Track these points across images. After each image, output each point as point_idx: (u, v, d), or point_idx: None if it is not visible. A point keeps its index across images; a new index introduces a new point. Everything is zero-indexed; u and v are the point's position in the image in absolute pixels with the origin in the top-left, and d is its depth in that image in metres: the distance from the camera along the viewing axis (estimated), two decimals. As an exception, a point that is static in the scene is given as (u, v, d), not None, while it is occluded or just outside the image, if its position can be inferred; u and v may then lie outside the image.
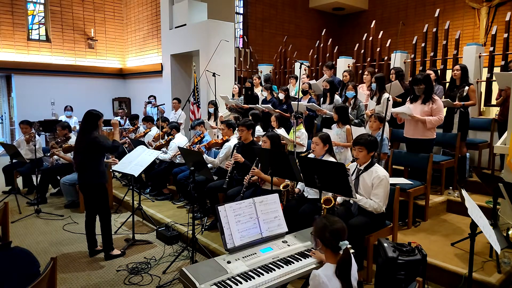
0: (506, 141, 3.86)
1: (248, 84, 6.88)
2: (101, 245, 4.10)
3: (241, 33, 13.09)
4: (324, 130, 4.80)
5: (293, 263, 2.42)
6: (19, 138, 6.67)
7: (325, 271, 2.08)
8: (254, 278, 2.22)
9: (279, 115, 5.63)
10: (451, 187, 4.81)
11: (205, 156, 4.91)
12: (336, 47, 9.16)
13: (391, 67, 6.28)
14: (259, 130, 5.86)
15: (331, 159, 3.68)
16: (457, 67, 5.10)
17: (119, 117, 9.30)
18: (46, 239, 4.53)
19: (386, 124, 4.41)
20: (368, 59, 7.93)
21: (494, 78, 6.26)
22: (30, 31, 10.95)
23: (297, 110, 4.92)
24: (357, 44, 8.24)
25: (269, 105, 6.17)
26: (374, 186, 3.21)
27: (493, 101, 6.10)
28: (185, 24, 9.21)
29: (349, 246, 2.14)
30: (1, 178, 6.66)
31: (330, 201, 3.26)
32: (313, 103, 5.86)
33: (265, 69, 10.14)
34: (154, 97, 9.29)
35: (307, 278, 2.16)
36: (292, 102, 5.95)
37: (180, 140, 5.97)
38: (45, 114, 10.27)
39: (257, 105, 6.53)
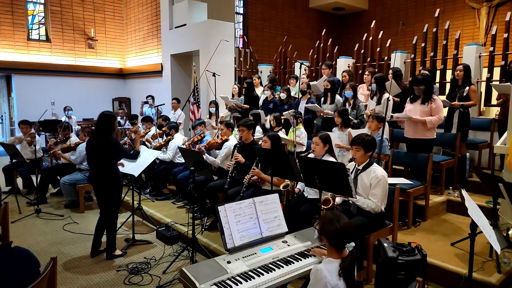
0: (506, 141, 3.86)
1: (245, 84, 6.89)
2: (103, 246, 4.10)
3: (241, 33, 13.09)
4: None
5: (293, 263, 2.41)
6: (18, 135, 6.67)
7: (327, 266, 2.09)
8: (254, 278, 2.22)
9: (278, 115, 5.63)
10: (451, 187, 4.81)
11: (205, 156, 4.91)
12: (336, 47, 9.15)
13: (390, 67, 6.29)
14: (259, 130, 5.86)
15: (331, 159, 3.68)
16: (460, 67, 5.10)
17: (119, 117, 9.29)
18: (46, 239, 4.53)
19: (386, 124, 4.41)
20: (368, 59, 7.93)
21: (494, 79, 6.27)
22: (30, 31, 10.95)
23: (297, 110, 4.92)
24: (357, 44, 8.24)
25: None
26: (372, 186, 3.21)
27: (493, 101, 6.10)
28: (185, 24, 9.21)
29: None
30: (1, 178, 6.65)
31: (329, 202, 3.26)
32: (313, 103, 5.85)
33: (265, 69, 10.13)
34: (152, 97, 9.27)
35: (307, 278, 2.17)
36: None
37: (179, 140, 5.97)
38: (45, 114, 10.25)
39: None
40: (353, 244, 2.12)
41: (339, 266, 2.09)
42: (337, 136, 4.77)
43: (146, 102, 9.30)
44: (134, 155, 4.10)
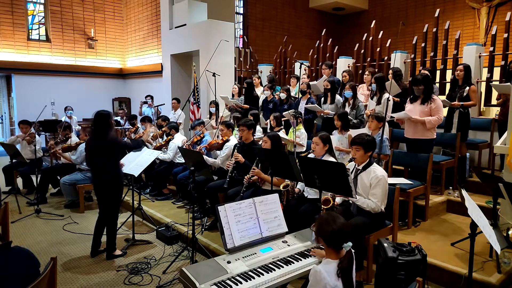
0: (506, 141, 3.86)
1: (245, 84, 6.90)
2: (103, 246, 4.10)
3: (241, 33, 13.09)
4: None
5: (293, 263, 2.41)
6: (18, 134, 6.67)
7: (326, 267, 2.09)
8: (254, 278, 2.22)
9: (278, 115, 5.63)
10: (451, 187, 4.81)
11: (205, 157, 4.91)
12: (336, 47, 9.15)
13: (390, 67, 6.28)
14: (259, 130, 5.87)
15: (331, 159, 3.68)
16: (460, 67, 5.09)
17: (119, 117, 9.29)
18: (46, 239, 4.53)
19: (386, 124, 4.41)
20: (368, 59, 7.93)
21: (494, 79, 6.26)
22: (30, 31, 10.95)
23: (297, 110, 4.92)
24: (357, 44, 8.24)
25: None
26: (372, 186, 3.21)
27: (493, 101, 6.10)
28: (185, 24, 9.21)
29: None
30: (1, 178, 6.66)
31: (329, 202, 3.26)
32: (313, 103, 5.85)
33: (265, 69, 10.13)
34: (151, 97, 9.26)
35: (307, 278, 2.17)
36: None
37: (180, 140, 5.97)
38: (45, 114, 10.25)
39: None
40: (350, 243, 2.12)
41: (337, 266, 2.10)
42: (337, 139, 4.77)
43: (145, 102, 9.31)
44: (137, 145, 4.10)
